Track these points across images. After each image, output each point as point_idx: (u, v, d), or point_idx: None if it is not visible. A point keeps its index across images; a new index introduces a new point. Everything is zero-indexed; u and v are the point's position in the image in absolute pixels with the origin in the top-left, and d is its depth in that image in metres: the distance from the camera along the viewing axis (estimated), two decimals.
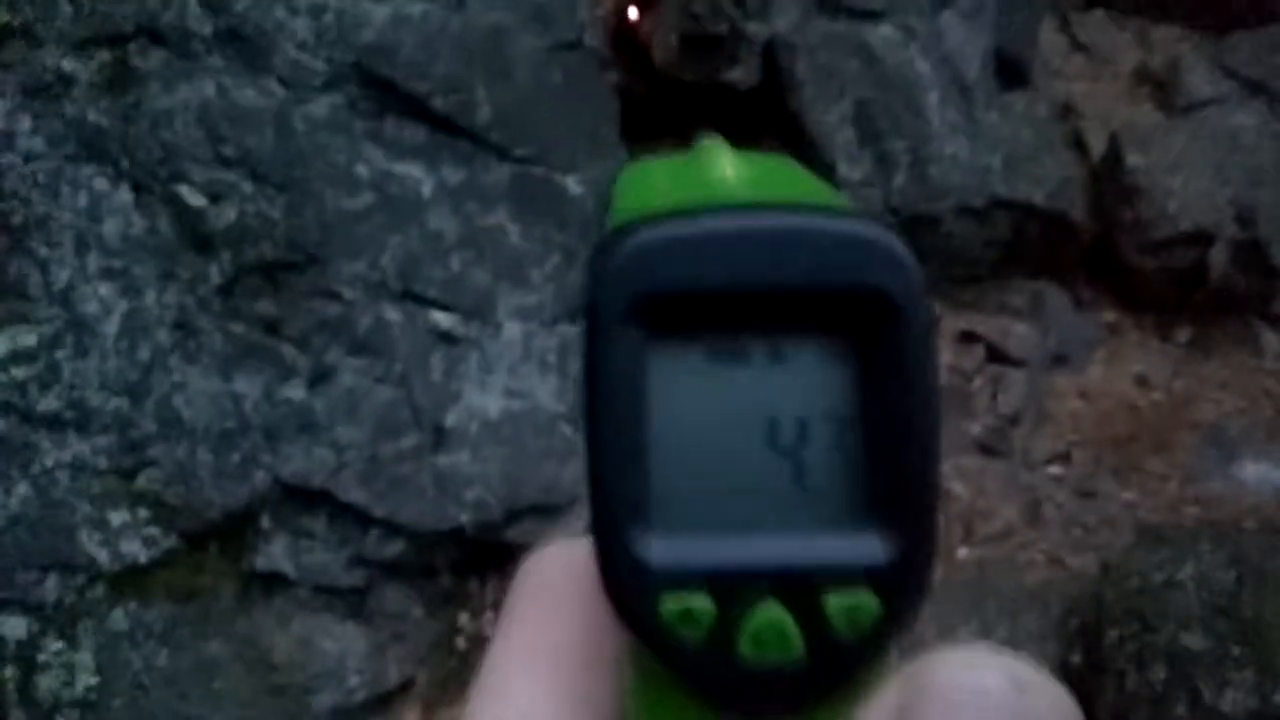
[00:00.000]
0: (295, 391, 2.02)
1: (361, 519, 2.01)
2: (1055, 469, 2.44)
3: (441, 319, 2.18)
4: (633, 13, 2.59)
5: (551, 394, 2.24)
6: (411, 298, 2.16)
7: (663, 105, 2.80)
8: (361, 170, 2.20)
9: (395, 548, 2.04)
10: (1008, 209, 2.65)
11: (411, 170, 2.25)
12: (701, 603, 0.25)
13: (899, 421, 0.25)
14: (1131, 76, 3.03)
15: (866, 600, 0.24)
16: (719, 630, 0.25)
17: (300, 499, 2.01)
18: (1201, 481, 2.39)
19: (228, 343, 2.02)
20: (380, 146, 2.24)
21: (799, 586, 0.25)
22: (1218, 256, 2.69)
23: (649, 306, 0.25)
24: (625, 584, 0.25)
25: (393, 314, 2.13)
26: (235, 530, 2.00)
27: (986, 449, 2.43)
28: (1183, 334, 2.74)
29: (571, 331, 2.31)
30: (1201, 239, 2.70)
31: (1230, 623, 1.72)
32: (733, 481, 0.26)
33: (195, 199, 2.08)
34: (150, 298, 2.02)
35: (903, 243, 0.25)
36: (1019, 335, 2.60)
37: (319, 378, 2.03)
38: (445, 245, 2.23)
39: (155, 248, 2.04)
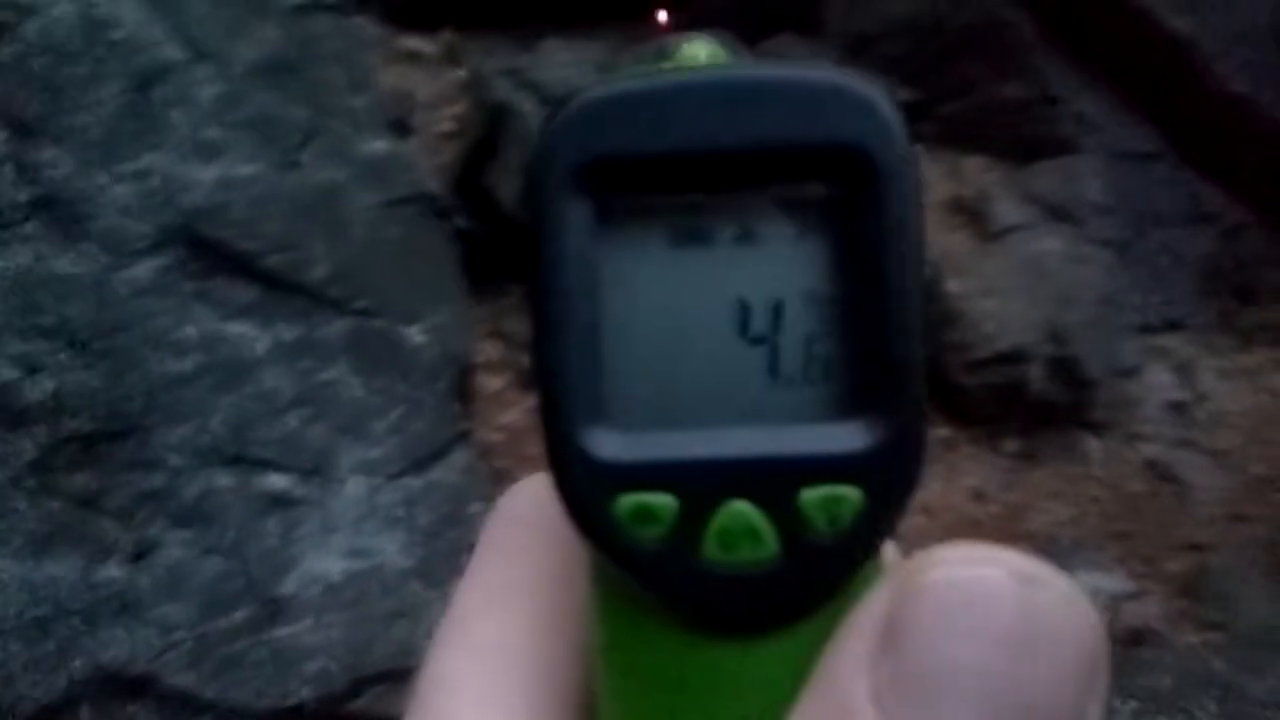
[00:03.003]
0: (115, 570, 1.91)
1: (190, 704, 1.89)
2: None
3: (277, 480, 2.12)
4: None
5: (399, 550, 2.19)
6: (244, 461, 2.09)
7: (508, 246, 2.86)
8: (189, 332, 2.15)
9: None
10: None
11: (243, 329, 2.21)
12: (661, 500, 0.22)
13: (880, 297, 0.22)
14: (946, 206, 3.24)
15: (847, 493, 0.22)
16: (681, 530, 0.22)
17: (122, 686, 1.88)
18: None
19: (41, 522, 1.91)
20: (209, 307, 2.20)
21: (771, 480, 0.22)
22: (1035, 372, 2.87)
23: (599, 173, 0.22)
24: (577, 484, 0.22)
25: (223, 479, 2.06)
26: None
27: None
28: (1011, 445, 2.88)
29: (417, 484, 2.27)
30: (1019, 357, 2.88)
31: None
32: (697, 372, 0.23)
33: (8, 372, 1.99)
34: None
35: (885, 94, 0.22)
36: None
37: (141, 553, 1.94)
38: (280, 404, 2.18)
39: None
